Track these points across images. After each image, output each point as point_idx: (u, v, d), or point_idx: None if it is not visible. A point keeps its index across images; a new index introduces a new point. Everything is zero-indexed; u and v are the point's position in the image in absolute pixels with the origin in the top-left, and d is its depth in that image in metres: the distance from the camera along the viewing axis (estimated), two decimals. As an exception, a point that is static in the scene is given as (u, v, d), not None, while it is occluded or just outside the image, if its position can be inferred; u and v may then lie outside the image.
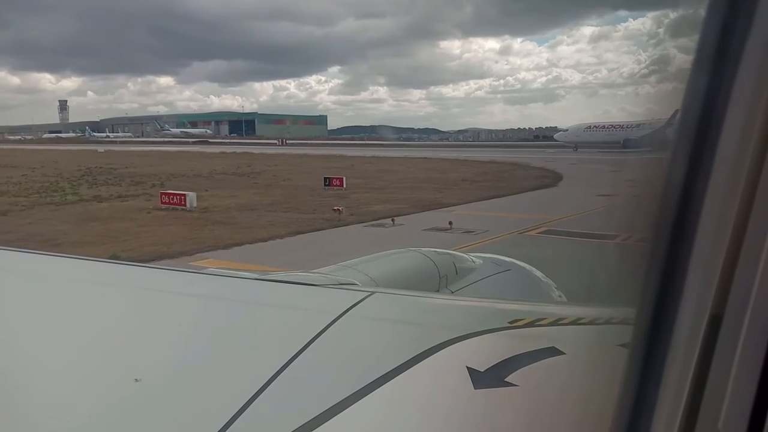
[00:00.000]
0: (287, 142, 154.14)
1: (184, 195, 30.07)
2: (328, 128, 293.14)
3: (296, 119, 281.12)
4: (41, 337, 2.09)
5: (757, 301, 0.74)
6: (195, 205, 29.56)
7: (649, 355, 0.84)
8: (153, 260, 15.94)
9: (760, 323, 0.74)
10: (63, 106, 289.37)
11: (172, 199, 30.36)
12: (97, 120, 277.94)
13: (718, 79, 0.76)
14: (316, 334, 1.77)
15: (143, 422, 1.55)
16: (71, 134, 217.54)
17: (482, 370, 1.50)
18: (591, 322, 1.92)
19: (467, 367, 1.51)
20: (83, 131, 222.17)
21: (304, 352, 1.68)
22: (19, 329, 2.17)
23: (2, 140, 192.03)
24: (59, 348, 1.97)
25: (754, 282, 0.74)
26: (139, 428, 1.54)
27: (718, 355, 0.76)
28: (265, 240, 21.94)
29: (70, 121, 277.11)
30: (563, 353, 1.55)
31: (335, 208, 27.57)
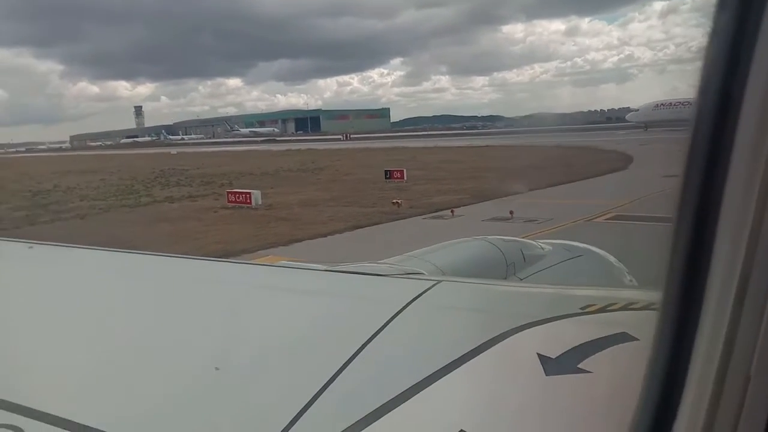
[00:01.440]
0: (351, 136, 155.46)
1: (250, 193, 30.82)
2: (391, 121, 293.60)
3: (359, 114, 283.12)
4: (115, 330, 2.20)
5: None
6: (260, 202, 30.23)
7: (683, 316, 0.86)
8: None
9: None
10: (138, 111, 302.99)
11: (238, 197, 31.18)
12: (170, 123, 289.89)
13: (735, 60, 0.77)
14: (384, 323, 1.79)
15: (223, 408, 1.64)
16: (147, 138, 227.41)
17: (553, 357, 1.48)
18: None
19: (538, 354, 1.49)
20: (158, 135, 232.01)
21: (373, 341, 1.70)
22: (93, 323, 2.29)
23: (84, 147, 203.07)
24: (137, 340, 2.08)
25: None
26: (220, 413, 1.63)
27: (747, 310, 0.79)
28: (324, 235, 22.16)
29: (146, 125, 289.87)
30: (635, 339, 1.52)
31: (394, 201, 27.55)
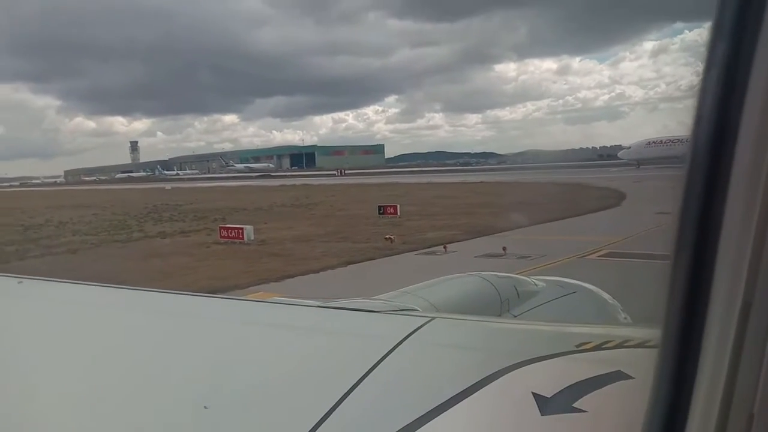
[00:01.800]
0: (346, 172, 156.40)
1: (242, 228, 30.73)
2: (386, 157, 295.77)
3: (354, 150, 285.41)
4: (106, 368, 2.12)
5: None
6: (252, 237, 30.10)
7: (683, 349, 0.86)
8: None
9: None
10: (134, 147, 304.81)
11: (231, 232, 31.06)
12: (166, 159, 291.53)
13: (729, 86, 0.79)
14: (377, 360, 1.76)
15: None
16: (141, 173, 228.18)
17: (549, 396, 1.46)
18: (658, 344, 1.80)
19: (533, 393, 1.47)
20: (153, 170, 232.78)
21: (366, 378, 1.67)
22: (85, 362, 2.21)
23: (79, 181, 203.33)
24: (128, 379, 2.01)
25: None
26: None
27: (749, 341, 0.79)
28: (316, 271, 21.99)
29: (141, 160, 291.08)
30: (631, 377, 1.50)
31: (387, 236, 27.48)
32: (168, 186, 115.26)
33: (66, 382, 2.05)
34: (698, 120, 0.82)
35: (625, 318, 3.95)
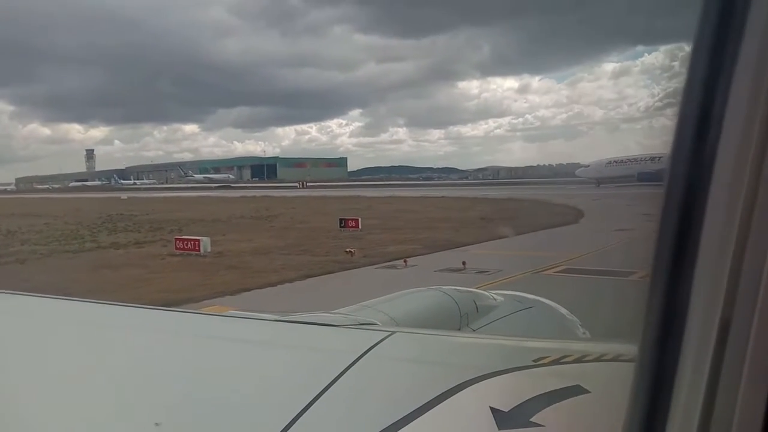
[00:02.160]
0: (308, 184, 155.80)
1: (198, 240, 30.17)
2: (348, 170, 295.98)
3: (317, 162, 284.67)
4: (54, 382, 2.03)
5: (763, 303, 0.76)
6: (209, 249, 29.56)
7: (660, 366, 0.86)
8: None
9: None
10: (89, 155, 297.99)
11: (187, 244, 30.44)
12: (123, 168, 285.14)
13: (707, 112, 0.80)
14: (336, 375, 1.74)
15: None
16: (96, 182, 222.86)
17: (506, 410, 1.46)
18: (614, 359, 1.88)
19: (491, 408, 1.47)
20: (109, 179, 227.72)
21: (325, 393, 1.65)
22: (30, 375, 2.12)
23: (31, 189, 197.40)
24: (74, 393, 1.94)
25: (760, 285, 0.76)
26: None
27: (729, 359, 0.79)
28: (274, 284, 21.71)
29: (97, 169, 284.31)
30: (588, 391, 1.52)
31: (347, 250, 27.35)
32: (124, 196, 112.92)
33: (3, 397, 1.98)
34: (677, 138, 0.82)
35: (584, 333, 3.98)
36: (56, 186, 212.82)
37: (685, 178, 0.81)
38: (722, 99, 0.77)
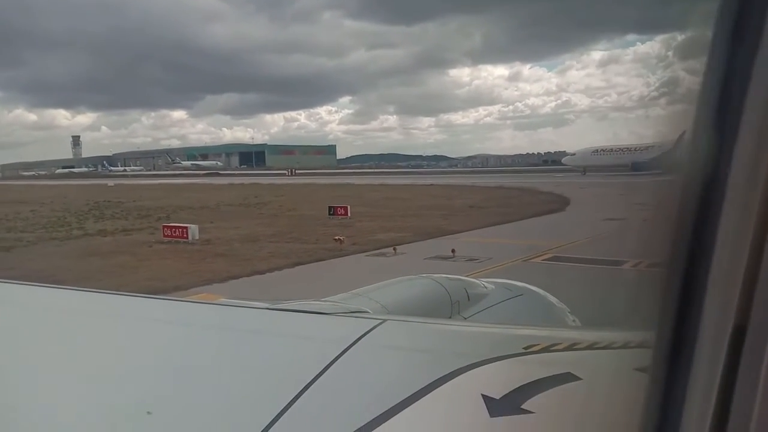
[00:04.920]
0: (296, 172, 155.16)
1: (186, 228, 29.94)
2: (338, 157, 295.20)
3: (306, 149, 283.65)
4: (45, 371, 2.01)
5: None
6: (197, 237, 29.38)
7: (672, 377, 0.84)
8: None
9: None
10: (76, 141, 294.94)
11: (174, 232, 30.22)
12: (110, 154, 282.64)
13: (728, 97, 0.78)
14: (328, 363, 1.74)
15: None
16: (83, 169, 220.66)
17: (498, 398, 1.47)
18: (606, 347, 1.91)
19: (482, 395, 1.48)
20: (96, 166, 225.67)
21: (317, 381, 1.64)
22: (17, 364, 2.10)
23: (16, 176, 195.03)
24: (64, 382, 1.92)
25: None
26: None
27: (744, 367, 0.77)
28: (262, 272, 21.60)
29: (84, 156, 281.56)
30: (579, 378, 1.53)
31: (336, 237, 27.30)
32: (111, 183, 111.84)
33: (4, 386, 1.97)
34: (697, 126, 0.80)
35: (573, 321, 4.01)
36: (42, 173, 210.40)
37: (701, 173, 0.79)
38: (741, 90, 0.75)
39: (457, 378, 1.58)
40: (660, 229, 0.96)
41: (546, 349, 1.87)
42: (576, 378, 1.54)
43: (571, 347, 1.94)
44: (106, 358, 2.11)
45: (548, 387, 1.50)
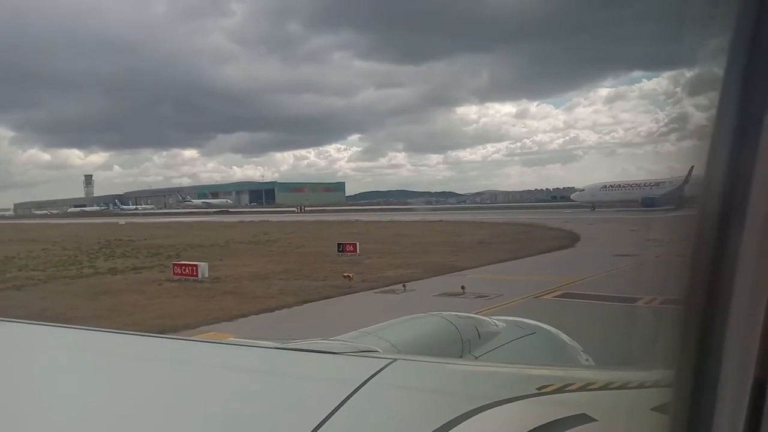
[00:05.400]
0: (306, 209, 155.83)
1: (196, 265, 29.98)
2: (346, 194, 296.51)
3: (315, 187, 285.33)
4: (51, 411, 2.00)
5: None
6: (206, 275, 29.40)
7: (693, 423, 0.82)
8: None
9: None
10: (88, 180, 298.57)
11: (184, 270, 30.26)
12: (121, 193, 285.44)
13: (743, 134, 0.78)
14: (338, 404, 1.71)
15: None
16: (95, 208, 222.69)
17: None
18: (622, 387, 1.87)
19: None
20: (108, 204, 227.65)
21: (327, 422, 1.61)
22: (26, 403, 2.09)
23: (29, 215, 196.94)
24: (72, 422, 1.90)
25: None
26: None
27: (766, 422, 0.76)
28: (271, 310, 21.50)
29: (95, 194, 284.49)
30: (595, 419, 1.49)
31: (345, 274, 27.22)
32: (122, 221, 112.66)
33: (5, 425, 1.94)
34: (709, 167, 0.79)
35: (587, 360, 3.93)
36: (55, 211, 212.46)
37: (715, 209, 0.78)
38: (755, 125, 0.75)
39: (469, 420, 1.55)
40: (674, 266, 0.94)
41: (560, 390, 1.84)
42: (591, 419, 1.50)
43: (585, 387, 1.90)
44: (114, 397, 2.11)
45: (563, 429, 1.47)
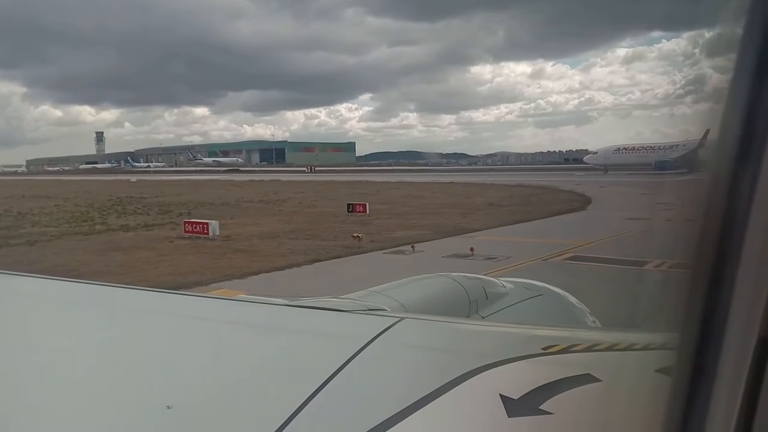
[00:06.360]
0: (316, 169, 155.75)
1: (207, 223, 30.19)
2: (357, 155, 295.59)
3: (325, 147, 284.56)
4: (65, 365, 2.04)
5: None
6: (217, 233, 29.63)
7: (696, 381, 0.84)
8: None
9: None
10: (99, 137, 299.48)
11: (195, 227, 30.51)
12: (132, 150, 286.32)
13: (760, 98, 0.78)
14: (345, 360, 1.74)
15: None
16: (106, 165, 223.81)
17: (516, 398, 1.45)
18: (627, 348, 1.89)
19: (500, 395, 1.46)
20: (119, 162, 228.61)
21: (334, 378, 1.64)
22: (36, 358, 2.12)
23: (42, 171, 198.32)
24: (85, 376, 1.94)
25: None
26: None
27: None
28: (281, 269, 21.68)
29: (107, 152, 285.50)
30: (599, 380, 1.51)
31: (354, 235, 27.32)
32: (133, 178, 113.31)
33: (10, 379, 1.97)
34: (725, 125, 0.78)
35: (593, 321, 3.95)
36: (66, 168, 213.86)
37: (728, 173, 0.78)
38: None
39: (474, 377, 1.57)
40: (684, 230, 0.94)
41: (565, 350, 1.85)
42: (595, 379, 1.52)
43: (590, 348, 1.90)
44: (126, 352, 2.12)
45: (567, 388, 1.49)
